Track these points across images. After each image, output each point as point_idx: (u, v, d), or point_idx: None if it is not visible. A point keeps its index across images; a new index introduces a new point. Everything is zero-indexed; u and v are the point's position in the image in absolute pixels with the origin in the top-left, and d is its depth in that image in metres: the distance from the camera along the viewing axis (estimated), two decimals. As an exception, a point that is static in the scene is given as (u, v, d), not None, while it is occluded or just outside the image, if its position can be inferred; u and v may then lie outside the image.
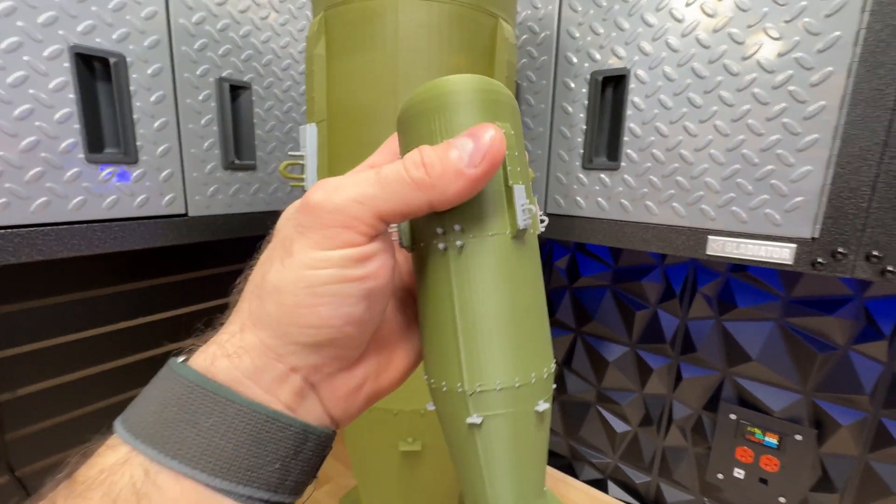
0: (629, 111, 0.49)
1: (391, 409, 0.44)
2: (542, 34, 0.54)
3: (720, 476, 0.71)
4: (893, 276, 0.37)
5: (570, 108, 0.53)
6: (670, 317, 0.74)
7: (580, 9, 0.51)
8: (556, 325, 0.87)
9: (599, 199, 0.53)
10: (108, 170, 0.46)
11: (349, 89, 0.38)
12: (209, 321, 0.20)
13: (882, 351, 0.58)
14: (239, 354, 0.17)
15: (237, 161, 0.58)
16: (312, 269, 0.17)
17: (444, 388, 0.19)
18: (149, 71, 0.48)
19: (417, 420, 0.45)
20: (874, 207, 0.38)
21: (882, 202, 0.37)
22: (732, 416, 0.69)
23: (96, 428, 0.18)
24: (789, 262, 0.42)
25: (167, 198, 0.52)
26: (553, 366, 0.21)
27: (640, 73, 0.48)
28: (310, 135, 0.41)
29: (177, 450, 0.16)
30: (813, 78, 0.39)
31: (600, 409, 0.83)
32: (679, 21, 0.45)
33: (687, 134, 0.46)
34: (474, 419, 0.18)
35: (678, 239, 0.48)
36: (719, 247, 0.46)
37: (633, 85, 0.48)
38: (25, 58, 0.40)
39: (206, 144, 0.54)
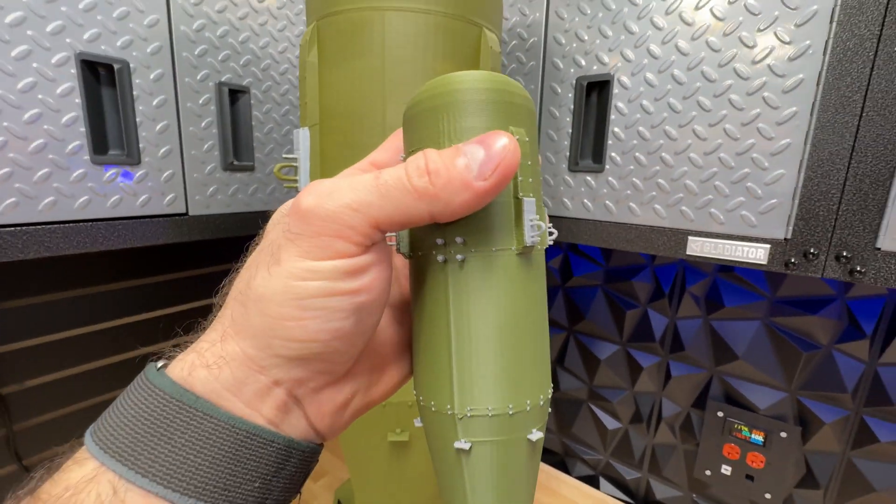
0: (613, 115, 0.50)
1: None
2: (531, 40, 0.56)
3: (708, 472, 0.72)
4: (861, 275, 0.39)
5: (556, 112, 0.55)
6: (660, 316, 0.75)
7: (566, 16, 0.52)
8: (549, 324, 0.88)
9: (585, 200, 0.54)
10: (113, 171, 0.49)
11: (340, 95, 0.40)
12: (190, 325, 0.19)
13: (864, 350, 0.59)
14: (219, 365, 0.16)
15: (236, 162, 0.60)
16: (300, 280, 0.15)
17: (433, 408, 0.18)
18: (151, 76, 0.50)
19: (405, 411, 0.46)
20: (843, 210, 0.39)
21: (850, 205, 0.39)
22: (720, 414, 0.70)
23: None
24: (763, 262, 0.43)
25: (168, 197, 0.54)
26: (550, 391, 0.19)
27: (623, 78, 0.49)
28: (303, 138, 0.43)
29: (147, 467, 0.15)
30: (785, 85, 0.40)
31: (592, 406, 0.85)
32: (659, 29, 0.46)
33: (667, 138, 0.47)
34: (462, 444, 0.17)
35: (660, 239, 0.49)
36: (699, 247, 0.47)
37: (616, 90, 0.50)
38: (34, 65, 0.42)
39: (205, 146, 0.56)
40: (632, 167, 0.50)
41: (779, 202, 0.42)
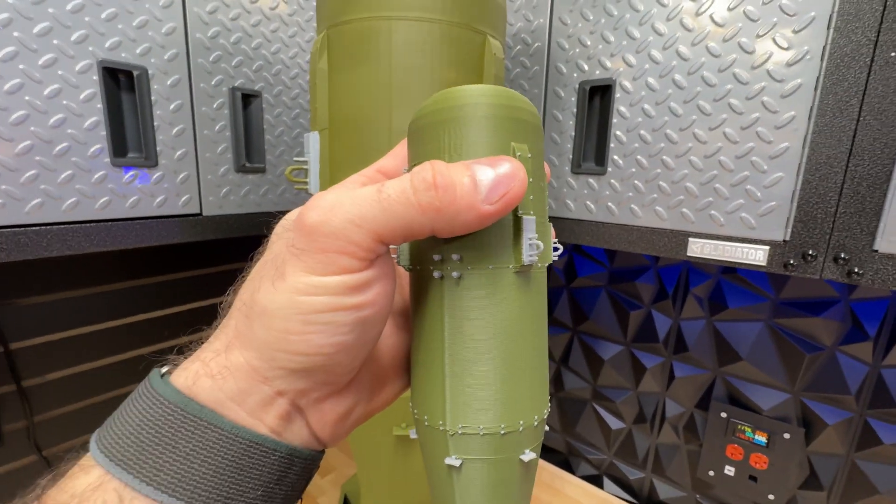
0: (615, 119, 0.51)
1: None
2: (534, 45, 0.57)
3: (711, 473, 0.73)
4: (859, 277, 0.39)
5: (560, 116, 0.56)
6: (663, 317, 0.76)
7: (569, 22, 0.53)
8: (553, 323, 0.89)
9: (587, 202, 0.55)
10: (131, 173, 0.51)
11: (348, 101, 0.42)
12: (202, 322, 0.19)
13: (867, 352, 0.59)
14: (223, 375, 0.16)
15: (248, 164, 0.62)
16: (305, 296, 0.16)
17: (426, 423, 0.18)
18: (168, 82, 0.52)
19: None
20: (841, 212, 0.40)
21: (848, 207, 0.39)
22: (723, 415, 0.70)
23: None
24: (763, 264, 0.44)
25: (184, 198, 0.56)
26: (546, 412, 0.19)
27: (625, 83, 0.50)
28: (313, 142, 0.45)
29: (153, 475, 0.15)
30: (784, 89, 0.41)
31: (596, 406, 0.86)
32: (660, 35, 0.47)
33: (668, 141, 0.48)
34: (453, 461, 0.17)
35: (661, 241, 0.50)
36: (699, 248, 0.48)
37: (618, 94, 0.51)
38: (60, 72, 0.44)
39: (219, 149, 0.58)
40: (633, 170, 0.51)
41: (777, 204, 0.43)
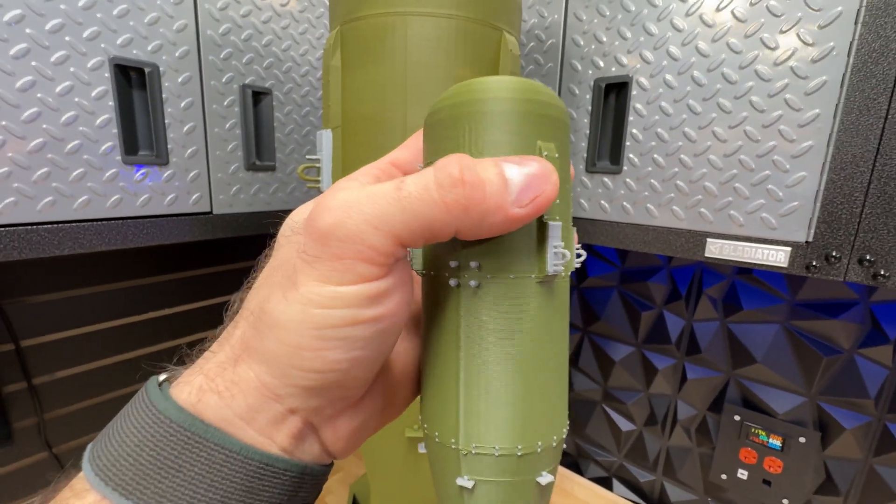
0: (631, 117, 0.51)
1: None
2: (549, 42, 0.56)
3: (724, 476, 0.72)
4: (885, 279, 0.38)
5: (574, 114, 0.55)
6: (676, 318, 0.75)
7: (585, 18, 0.53)
8: (563, 324, 0.89)
9: (602, 201, 0.54)
10: (142, 171, 0.50)
11: (362, 98, 0.41)
12: (211, 320, 0.19)
13: (887, 356, 0.58)
14: (231, 391, 0.15)
15: (258, 162, 0.61)
16: (320, 308, 0.14)
17: (437, 439, 0.17)
18: (179, 79, 0.52)
19: (422, 409, 0.47)
20: (867, 213, 0.39)
21: (874, 207, 0.38)
22: (737, 418, 0.69)
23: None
24: (784, 265, 0.43)
25: (194, 197, 0.55)
26: (565, 431, 0.18)
27: (642, 80, 0.49)
28: (325, 140, 0.44)
29: (155, 502, 0.14)
30: (808, 86, 0.40)
31: (606, 407, 0.85)
32: (679, 31, 0.46)
33: (686, 139, 0.47)
34: (465, 482, 0.16)
35: (678, 241, 0.49)
36: (718, 249, 0.47)
37: (635, 91, 0.50)
38: (71, 69, 0.44)
39: (229, 147, 0.58)
40: (650, 168, 0.50)
41: (800, 204, 0.42)
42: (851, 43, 0.38)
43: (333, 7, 0.43)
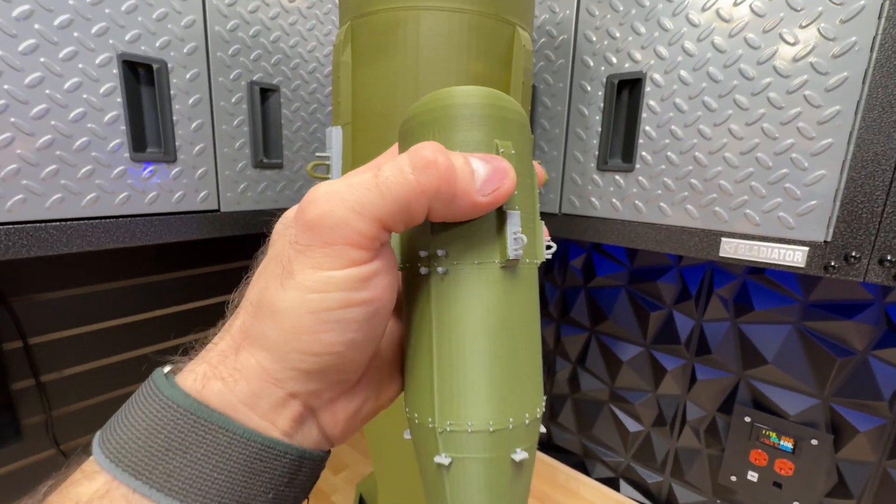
0: (644, 114, 0.50)
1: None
2: (560, 38, 0.55)
3: (733, 478, 0.71)
4: (907, 280, 0.38)
5: (585, 111, 0.54)
6: (685, 318, 0.74)
7: (597, 13, 0.52)
8: (570, 323, 0.88)
9: (614, 199, 0.54)
10: (150, 168, 0.50)
11: (373, 95, 0.41)
12: (218, 318, 0.19)
13: (903, 357, 0.57)
14: (234, 377, 0.16)
15: (265, 160, 0.61)
16: (317, 293, 0.15)
17: (417, 420, 0.18)
18: (187, 76, 0.52)
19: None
20: (888, 212, 0.38)
21: (896, 207, 0.38)
22: (747, 419, 0.69)
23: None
24: (801, 266, 0.42)
25: (202, 194, 0.55)
26: (539, 411, 0.19)
27: (656, 76, 0.48)
28: (335, 137, 0.44)
29: (164, 481, 0.14)
30: (828, 83, 0.39)
31: (613, 408, 0.84)
32: (695, 26, 0.45)
33: (701, 137, 0.46)
34: (442, 459, 0.17)
35: (691, 240, 0.48)
36: (732, 249, 0.46)
37: (648, 88, 0.49)
38: (80, 65, 0.44)
39: (237, 144, 0.58)
40: (663, 167, 0.49)
41: (819, 203, 0.41)
42: (874, 38, 0.37)
43: (344, 2, 0.43)
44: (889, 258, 0.38)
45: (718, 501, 0.74)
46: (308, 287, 0.15)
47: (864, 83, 0.38)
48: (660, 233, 0.50)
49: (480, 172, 0.16)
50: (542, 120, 0.59)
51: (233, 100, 0.56)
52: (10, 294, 0.61)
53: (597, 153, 0.54)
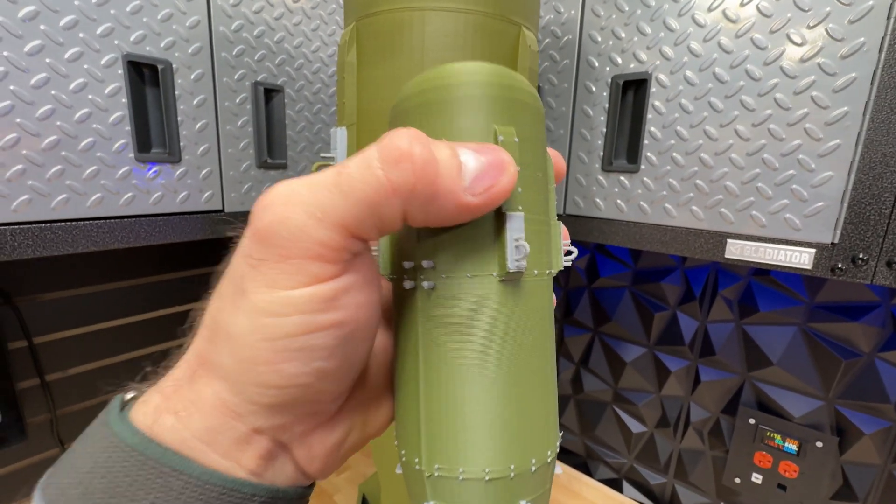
0: (650, 115, 0.50)
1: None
2: (565, 38, 0.55)
3: (737, 480, 0.71)
4: (915, 283, 0.37)
5: (590, 111, 0.54)
6: (689, 319, 0.74)
7: (602, 13, 0.51)
8: (574, 324, 0.88)
9: (618, 200, 0.53)
10: (155, 168, 0.50)
11: (378, 95, 0.41)
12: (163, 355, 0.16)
13: (909, 359, 0.57)
14: (188, 410, 0.14)
15: (270, 160, 0.61)
16: (273, 317, 0.13)
17: (404, 458, 0.16)
18: (192, 76, 0.52)
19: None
20: (897, 214, 0.38)
21: (905, 209, 0.37)
22: (751, 421, 0.68)
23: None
24: (808, 267, 0.42)
25: (206, 195, 0.55)
26: (550, 454, 0.15)
27: (662, 77, 0.48)
28: (340, 138, 0.44)
29: None
30: (836, 84, 0.39)
31: (616, 409, 0.84)
32: (701, 26, 0.45)
33: (707, 138, 0.46)
34: None
35: (696, 242, 0.48)
36: (738, 250, 0.46)
37: (654, 89, 0.49)
38: (85, 66, 0.44)
39: (241, 144, 0.58)
40: (668, 168, 0.49)
41: (826, 205, 0.41)
42: (883, 39, 0.37)
43: (349, 3, 0.43)
44: (897, 260, 0.38)
45: (722, 503, 0.74)
46: (262, 310, 0.13)
47: (872, 84, 0.37)
48: (665, 234, 0.50)
49: (470, 166, 0.13)
50: (546, 120, 0.59)
51: (237, 100, 0.56)
52: (15, 294, 0.62)
53: (601, 154, 0.54)
